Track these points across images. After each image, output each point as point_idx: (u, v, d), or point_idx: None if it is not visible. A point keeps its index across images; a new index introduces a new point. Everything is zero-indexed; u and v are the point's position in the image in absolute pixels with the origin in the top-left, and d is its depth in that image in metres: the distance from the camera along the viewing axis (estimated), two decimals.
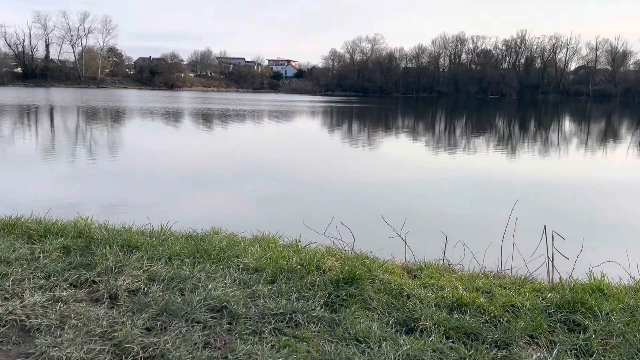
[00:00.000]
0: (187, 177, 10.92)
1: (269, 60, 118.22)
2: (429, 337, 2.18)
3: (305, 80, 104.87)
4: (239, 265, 2.93)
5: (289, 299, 2.41)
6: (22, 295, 2.44)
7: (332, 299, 2.49)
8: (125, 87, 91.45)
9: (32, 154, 14.28)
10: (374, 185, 10.36)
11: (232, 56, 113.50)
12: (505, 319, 2.44)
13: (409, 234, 4.20)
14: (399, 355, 1.99)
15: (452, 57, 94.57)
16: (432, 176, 11.83)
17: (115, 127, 23.70)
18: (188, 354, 1.88)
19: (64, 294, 2.48)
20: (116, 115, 29.67)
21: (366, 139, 20.92)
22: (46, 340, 2.01)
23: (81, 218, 4.06)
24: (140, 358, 1.86)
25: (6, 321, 2.20)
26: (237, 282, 2.67)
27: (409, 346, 2.06)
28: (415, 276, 3.09)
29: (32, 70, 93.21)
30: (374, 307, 2.48)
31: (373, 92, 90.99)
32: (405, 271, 3.21)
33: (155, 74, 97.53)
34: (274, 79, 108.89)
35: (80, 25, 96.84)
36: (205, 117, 30.53)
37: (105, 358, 1.86)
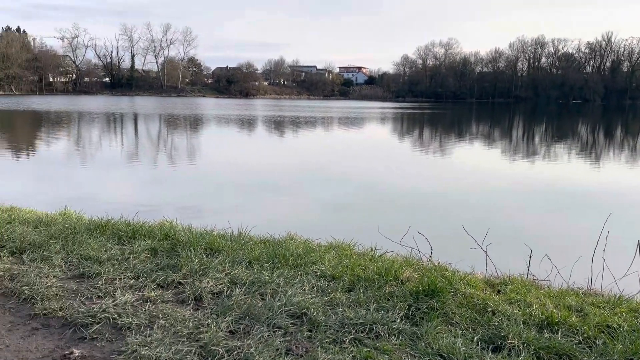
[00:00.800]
0: (261, 182, 11.18)
1: (339, 68, 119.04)
2: (518, 356, 2.06)
3: (375, 86, 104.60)
4: (316, 272, 2.93)
5: (368, 309, 2.38)
6: (114, 295, 2.58)
7: (412, 311, 2.43)
8: (203, 96, 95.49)
9: (118, 159, 15.22)
10: (449, 194, 10.09)
11: (304, 64, 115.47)
12: (601, 341, 2.26)
13: (490, 245, 4.03)
14: None
15: (531, 60, 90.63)
16: (512, 185, 11.34)
17: (193, 133, 24.77)
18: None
19: (152, 294, 2.59)
20: (195, 123, 31.01)
21: (439, 146, 20.46)
22: (137, 339, 2.10)
23: (166, 221, 4.25)
24: (227, 350, 1.90)
25: (100, 319, 2.32)
26: (315, 289, 2.67)
27: None
28: (499, 291, 2.95)
29: (119, 80, 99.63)
30: (457, 322, 2.39)
31: (446, 97, 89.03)
32: (487, 285, 3.07)
33: (232, 82, 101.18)
34: (344, 86, 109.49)
35: (163, 36, 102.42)
36: (278, 124, 31.20)
37: (192, 359, 1.91)
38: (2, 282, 2.77)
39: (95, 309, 2.39)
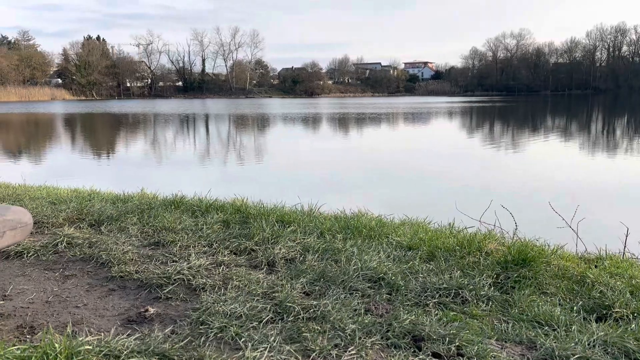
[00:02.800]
0: (327, 177, 11.12)
1: (405, 64, 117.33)
2: (628, 325, 1.81)
3: (442, 81, 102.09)
4: (391, 243, 2.78)
5: (452, 276, 2.20)
6: (188, 259, 2.56)
7: (501, 279, 2.22)
8: (270, 96, 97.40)
9: (190, 158, 15.73)
10: (527, 183, 9.57)
11: (368, 62, 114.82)
12: None
13: (580, 224, 3.69)
14: (593, 341, 1.67)
15: (611, 50, 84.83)
16: (595, 177, 10.58)
17: (260, 132, 25.22)
18: (349, 318, 1.77)
19: (226, 259, 2.55)
20: (262, 122, 31.60)
21: (512, 140, 19.54)
22: (211, 297, 2.05)
23: (237, 198, 4.25)
24: (302, 317, 1.80)
25: (175, 280, 2.30)
26: (391, 257, 2.52)
27: (604, 332, 1.72)
28: (595, 265, 2.66)
29: (191, 84, 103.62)
30: (552, 292, 2.15)
31: (518, 90, 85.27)
32: (581, 260, 2.79)
33: (297, 82, 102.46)
34: (410, 82, 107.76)
35: (232, 40, 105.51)
36: (342, 121, 31.13)
37: (267, 315, 1.83)
38: (81, 249, 2.84)
39: (169, 271, 2.37)
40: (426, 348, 1.59)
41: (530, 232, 3.61)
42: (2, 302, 2.20)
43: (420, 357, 1.54)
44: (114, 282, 2.39)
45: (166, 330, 1.79)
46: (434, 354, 1.55)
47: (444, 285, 2.07)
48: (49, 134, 24.66)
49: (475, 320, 1.81)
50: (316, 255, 2.52)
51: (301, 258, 2.51)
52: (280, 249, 2.62)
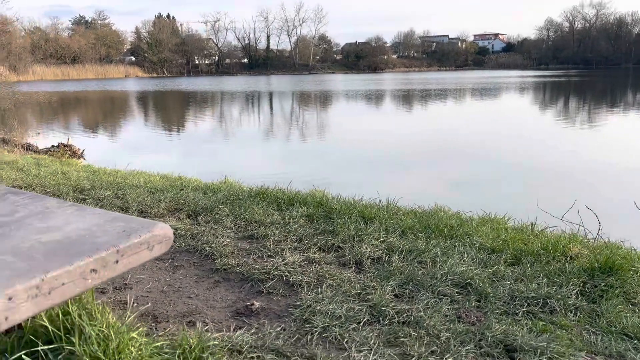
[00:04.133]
0: (393, 156, 11.14)
1: (474, 36, 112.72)
2: None
3: (514, 54, 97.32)
4: (473, 244, 2.86)
5: (539, 284, 2.27)
6: (283, 255, 2.77)
7: (587, 288, 2.27)
8: (333, 72, 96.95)
9: (255, 135, 16.22)
10: (611, 169, 9.15)
11: (435, 34, 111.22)
12: None
13: None
14: None
15: None
16: None
17: (323, 109, 25.38)
18: (442, 325, 1.91)
19: (316, 256, 2.74)
20: (324, 99, 31.73)
21: (590, 117, 18.52)
22: (310, 295, 2.25)
23: (317, 190, 4.45)
24: (397, 321, 1.95)
25: (273, 275, 2.52)
26: (475, 260, 2.61)
27: None
28: None
29: (256, 60, 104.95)
30: None
31: (597, 63, 79.89)
32: None
33: (360, 57, 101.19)
34: (479, 54, 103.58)
35: (296, 15, 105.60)
36: (406, 98, 30.64)
37: (364, 317, 1.99)
38: (185, 240, 3.13)
39: (268, 267, 2.59)
40: (518, 359, 1.70)
41: (613, 226, 3.56)
42: (123, 290, 2.51)
43: None
44: (219, 274, 2.65)
45: (274, 326, 2.01)
46: None
47: (532, 294, 2.15)
48: (124, 113, 26.07)
49: (564, 331, 1.89)
50: (401, 256, 2.66)
51: (387, 258, 2.65)
52: (365, 247, 2.78)
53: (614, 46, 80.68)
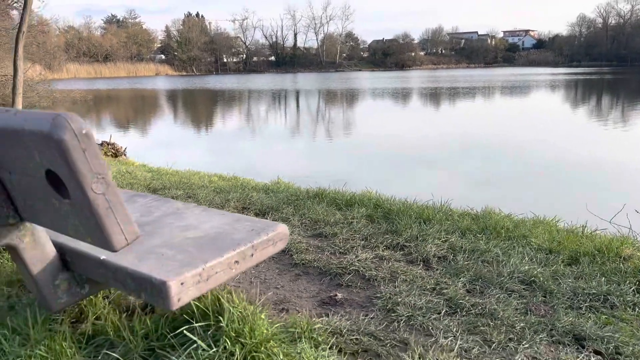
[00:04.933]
0: (425, 154, 11.31)
1: (504, 32, 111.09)
2: None
3: (545, 51, 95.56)
4: (530, 245, 3.08)
5: (597, 282, 2.49)
6: (355, 252, 3.05)
7: None
8: (359, 70, 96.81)
9: (282, 133, 16.60)
10: None
11: (464, 31, 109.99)
12: None
13: None
14: None
15: None
16: None
17: (349, 107, 25.61)
18: (515, 317, 2.15)
19: (385, 254, 3.01)
20: (350, 97, 31.95)
21: (631, 117, 18.29)
22: (387, 288, 2.52)
23: (368, 191, 4.71)
24: (473, 313, 2.20)
25: (350, 270, 2.80)
26: (534, 260, 2.84)
27: None
28: None
29: (283, 58, 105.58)
30: None
31: (631, 60, 77.89)
32: None
33: (387, 55, 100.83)
34: (509, 51, 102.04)
35: (323, 13, 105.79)
36: (434, 96, 30.59)
37: (443, 309, 2.25)
38: None
39: (344, 262, 2.87)
40: (588, 346, 1.94)
41: None
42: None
43: (585, 353, 1.90)
44: (298, 268, 2.94)
45: (361, 315, 2.28)
46: (595, 352, 1.90)
47: (593, 291, 2.38)
48: (156, 111, 26.81)
49: (626, 324, 2.11)
50: (465, 255, 2.90)
51: (452, 257, 2.90)
52: (430, 247, 3.03)
53: None
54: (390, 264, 2.85)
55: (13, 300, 2.06)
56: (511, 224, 3.48)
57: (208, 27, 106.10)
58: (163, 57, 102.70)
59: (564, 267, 2.73)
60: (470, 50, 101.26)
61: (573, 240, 3.15)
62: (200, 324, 1.74)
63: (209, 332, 1.73)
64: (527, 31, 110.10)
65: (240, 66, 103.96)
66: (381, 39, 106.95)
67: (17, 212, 1.65)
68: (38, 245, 1.75)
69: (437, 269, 2.76)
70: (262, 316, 1.86)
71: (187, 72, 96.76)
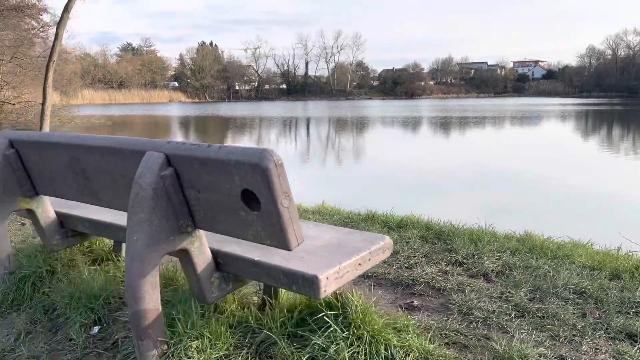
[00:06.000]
0: (446, 180, 11.73)
1: (513, 62, 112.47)
2: None
3: (555, 81, 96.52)
4: (574, 263, 3.49)
5: (634, 293, 2.89)
6: (420, 266, 3.47)
7: None
8: (369, 98, 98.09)
9: (293, 160, 17.17)
10: None
11: (473, 61, 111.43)
12: None
13: None
14: None
15: None
16: None
17: (359, 136, 26.20)
18: (574, 319, 2.56)
19: (448, 268, 3.43)
20: (360, 125, 32.61)
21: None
22: (458, 296, 2.93)
23: (413, 215, 5.14)
24: (538, 316, 2.61)
25: (420, 282, 3.21)
26: (581, 275, 3.24)
27: None
28: None
29: (294, 86, 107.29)
30: None
31: None
32: None
33: (397, 83, 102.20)
34: (519, 81, 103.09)
35: (334, 43, 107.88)
36: (444, 126, 31.16)
37: (512, 312, 2.66)
38: None
39: (413, 275, 3.29)
40: (637, 340, 2.34)
41: None
42: None
43: (637, 347, 2.30)
44: (371, 280, 3.35)
45: (441, 317, 2.69)
46: None
47: (637, 300, 2.78)
48: (167, 137, 27.58)
49: None
50: (519, 271, 3.31)
51: (508, 272, 3.31)
52: (487, 263, 3.45)
53: None
54: (454, 277, 3.27)
55: (167, 295, 2.49)
56: (554, 246, 3.89)
57: (221, 55, 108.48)
58: (176, 84, 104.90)
59: (608, 281, 3.13)
60: (480, 80, 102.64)
61: (611, 260, 3.56)
62: (333, 312, 2.17)
63: (339, 319, 2.16)
64: (536, 62, 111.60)
65: (252, 94, 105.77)
66: (391, 68, 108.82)
67: (193, 222, 2.11)
68: (202, 249, 2.20)
69: (497, 282, 3.17)
70: (374, 310, 2.29)
71: (199, 99, 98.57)
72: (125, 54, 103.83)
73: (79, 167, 2.44)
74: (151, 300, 2.05)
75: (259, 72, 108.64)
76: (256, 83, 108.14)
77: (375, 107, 64.14)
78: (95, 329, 2.46)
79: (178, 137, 27.31)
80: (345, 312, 2.19)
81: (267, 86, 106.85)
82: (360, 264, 2.19)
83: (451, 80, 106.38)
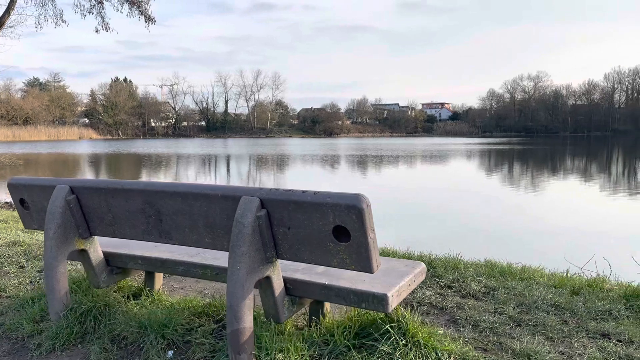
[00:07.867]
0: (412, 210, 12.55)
1: (422, 104, 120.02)
2: None
3: (460, 122, 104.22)
4: (539, 283, 4.20)
5: (599, 304, 3.61)
6: (418, 290, 4.00)
7: (628, 305, 3.63)
8: (289, 136, 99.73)
9: None
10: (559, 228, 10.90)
11: (386, 102, 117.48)
12: None
13: None
14: None
15: (630, 92, 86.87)
16: None
17: (280, 173, 26.86)
18: (559, 325, 3.20)
19: (441, 291, 3.99)
20: (281, 162, 33.39)
21: (539, 183, 20.85)
22: (461, 312, 3.48)
23: (386, 247, 5.70)
24: (531, 324, 3.22)
25: (424, 303, 3.74)
26: (550, 292, 3.93)
27: None
28: None
29: (214, 124, 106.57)
30: None
31: (537, 131, 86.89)
32: None
33: (316, 122, 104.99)
34: (427, 122, 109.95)
35: (254, 82, 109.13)
36: (362, 163, 32.74)
37: (510, 323, 3.25)
38: None
39: (417, 297, 3.81)
40: (611, 338, 3.01)
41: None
42: None
43: (612, 341, 2.96)
44: None
45: (453, 328, 3.22)
46: (617, 340, 2.97)
47: (600, 309, 3.49)
48: (79, 174, 26.63)
49: (627, 325, 3.22)
50: (500, 291, 3.95)
51: (491, 292, 3.94)
52: (472, 285, 4.06)
53: (552, 116, 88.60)
54: (450, 298, 3.83)
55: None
56: (517, 270, 4.60)
57: (136, 91, 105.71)
58: (87, 120, 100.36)
59: (572, 296, 3.85)
60: (392, 121, 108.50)
61: (567, 280, 4.31)
62: (390, 324, 2.63)
63: (390, 334, 2.61)
64: (443, 104, 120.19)
65: (169, 130, 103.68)
66: (310, 107, 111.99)
67: (277, 254, 2.50)
68: (280, 276, 2.58)
69: (486, 300, 3.77)
70: (418, 321, 2.77)
71: (112, 136, 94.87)
72: (32, 89, 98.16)
73: (152, 210, 2.74)
74: (247, 320, 2.40)
75: (177, 109, 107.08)
76: (173, 120, 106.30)
77: (295, 144, 65.48)
78: (170, 353, 2.71)
79: (88, 175, 26.32)
80: (400, 324, 2.65)
81: (185, 123, 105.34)
82: (409, 285, 2.68)
83: (366, 120, 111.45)
